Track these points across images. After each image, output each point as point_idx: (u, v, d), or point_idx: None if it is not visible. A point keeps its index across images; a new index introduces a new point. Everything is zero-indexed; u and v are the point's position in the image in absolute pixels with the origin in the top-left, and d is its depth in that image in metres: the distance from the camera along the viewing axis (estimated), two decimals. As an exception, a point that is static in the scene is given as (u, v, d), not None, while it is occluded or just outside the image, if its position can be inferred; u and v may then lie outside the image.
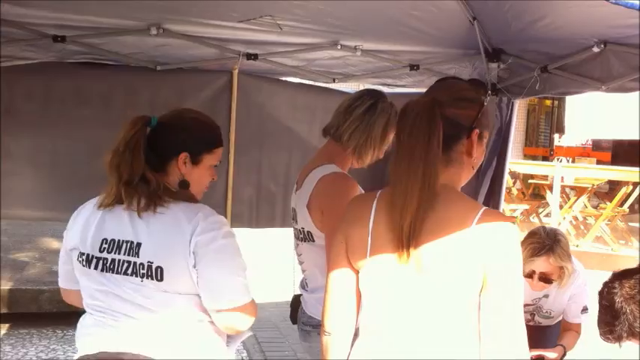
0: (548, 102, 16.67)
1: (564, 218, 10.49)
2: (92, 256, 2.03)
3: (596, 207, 11.14)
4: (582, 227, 10.75)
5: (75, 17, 2.99)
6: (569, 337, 3.38)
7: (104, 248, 2.01)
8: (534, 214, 11.61)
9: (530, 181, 12.30)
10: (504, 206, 10.92)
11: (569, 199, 11.04)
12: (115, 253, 2.00)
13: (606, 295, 2.40)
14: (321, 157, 2.64)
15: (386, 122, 2.61)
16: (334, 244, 1.93)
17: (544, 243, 3.15)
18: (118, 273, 1.99)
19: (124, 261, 1.99)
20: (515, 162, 12.28)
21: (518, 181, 12.22)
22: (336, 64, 3.79)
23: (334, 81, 3.91)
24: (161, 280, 1.96)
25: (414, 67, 3.86)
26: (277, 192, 3.85)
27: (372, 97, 2.64)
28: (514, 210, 11.06)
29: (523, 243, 3.19)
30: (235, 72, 3.56)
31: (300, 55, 3.63)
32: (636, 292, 2.31)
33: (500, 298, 1.69)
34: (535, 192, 12.45)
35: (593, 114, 10.50)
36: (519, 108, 15.95)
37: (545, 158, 13.92)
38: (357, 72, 3.90)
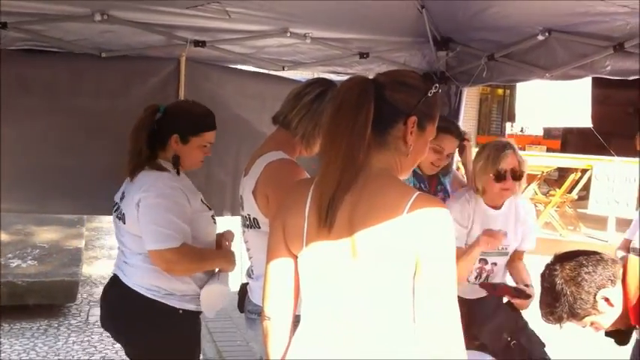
0: (500, 91, 16.93)
1: (515, 205, 10.65)
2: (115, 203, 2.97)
3: (545, 194, 11.35)
4: (532, 213, 10.94)
5: (16, 3, 2.91)
6: (524, 273, 3.43)
7: (120, 198, 2.92)
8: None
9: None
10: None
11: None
12: (120, 202, 2.91)
13: (547, 277, 2.45)
14: (270, 144, 2.63)
15: None
16: (273, 230, 1.94)
17: (502, 142, 3.29)
18: (117, 218, 2.93)
19: (119, 207, 2.90)
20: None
21: (470, 169, 12.35)
22: (286, 51, 3.77)
23: (284, 69, 3.89)
24: (125, 223, 2.85)
25: (363, 55, 3.87)
26: (226, 180, 3.82)
27: (321, 85, 2.63)
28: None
29: (482, 153, 3.30)
30: (183, 59, 3.50)
31: (249, 42, 3.61)
32: (576, 274, 2.37)
33: (433, 283, 1.70)
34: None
35: (542, 102, 10.67)
36: (472, 97, 16.24)
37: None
38: (306, 60, 3.89)
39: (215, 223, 2.99)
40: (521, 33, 3.41)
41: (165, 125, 2.84)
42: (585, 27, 3.01)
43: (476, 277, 3.35)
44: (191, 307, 2.85)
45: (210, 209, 2.97)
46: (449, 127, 3.42)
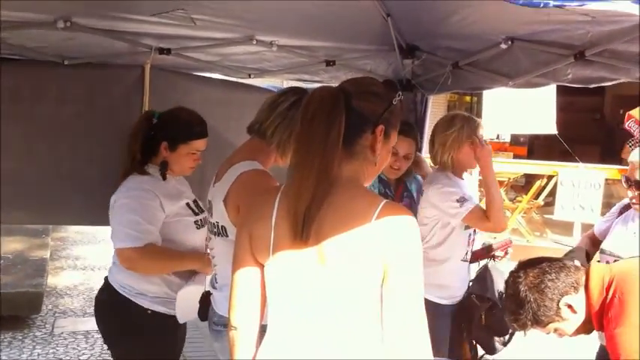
0: (467, 98, 17.08)
1: (483, 211, 10.75)
2: None
3: (512, 200, 11.47)
4: (500, 220, 11.04)
5: (-25, 10, 2.87)
6: None
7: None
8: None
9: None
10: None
11: (487, 192, 11.32)
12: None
13: (512, 284, 2.47)
14: (244, 152, 2.62)
15: None
16: (239, 239, 1.93)
17: (463, 114, 3.43)
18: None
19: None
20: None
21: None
22: (252, 59, 3.77)
23: (250, 76, 3.89)
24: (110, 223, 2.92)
25: (329, 62, 3.88)
26: (192, 188, 3.80)
27: (296, 93, 2.64)
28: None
29: (450, 127, 3.36)
30: (147, 67, 3.48)
31: (214, 50, 3.60)
32: (539, 282, 2.39)
33: (401, 290, 1.72)
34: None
35: (508, 109, 10.80)
36: (439, 104, 16.33)
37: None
38: (273, 67, 3.89)
39: (199, 228, 3.00)
40: (484, 41, 3.44)
41: (157, 132, 2.94)
42: (547, 35, 3.05)
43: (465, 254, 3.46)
44: (161, 309, 2.90)
45: (196, 214, 3.01)
46: (402, 129, 3.41)
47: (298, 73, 3.99)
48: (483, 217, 3.21)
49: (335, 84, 3.67)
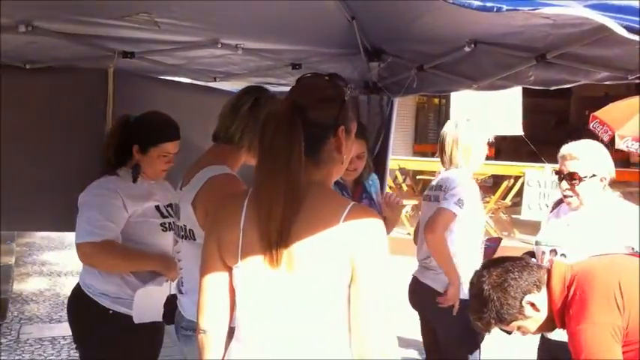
0: (436, 100, 17.20)
1: (451, 212, 10.85)
2: None
3: (481, 200, 11.58)
4: (468, 220, 11.16)
5: None
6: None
7: None
8: (424, 209, 11.93)
9: (419, 177, 12.66)
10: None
11: (456, 193, 11.42)
12: None
13: (476, 283, 2.51)
14: (212, 156, 2.61)
15: None
16: (207, 243, 1.94)
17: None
18: None
19: None
20: (405, 159, 12.61)
21: (408, 178, 12.55)
22: (218, 62, 3.75)
23: (216, 80, 3.87)
24: None
25: (296, 66, 3.88)
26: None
27: (254, 93, 2.65)
28: (404, 205, 11.32)
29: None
30: (111, 71, 3.46)
31: (179, 53, 3.57)
32: (503, 280, 2.42)
33: (368, 292, 1.76)
34: (425, 187, 12.81)
35: (475, 111, 10.91)
36: (408, 106, 16.42)
37: (434, 155, 14.31)
38: (239, 71, 3.88)
39: (165, 231, 3.02)
40: (449, 45, 3.47)
41: (130, 135, 3.01)
42: (509, 38, 3.08)
43: None
44: (122, 309, 2.94)
45: (164, 217, 3.03)
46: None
47: (265, 77, 3.98)
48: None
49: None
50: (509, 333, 2.54)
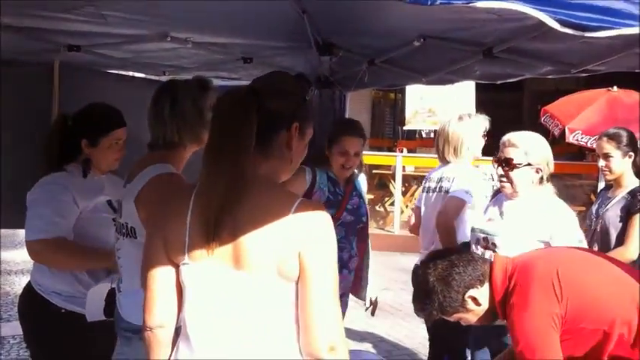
0: (392, 95, 17.27)
1: (407, 206, 10.97)
2: None
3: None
4: (424, 214, 11.28)
5: None
6: None
7: None
8: (380, 204, 12.03)
9: (375, 171, 12.73)
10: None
11: (411, 187, 11.54)
12: None
13: (421, 274, 2.54)
14: (156, 156, 2.58)
15: (193, 102, 2.59)
16: (151, 240, 1.91)
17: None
18: None
19: None
20: (363, 153, 12.64)
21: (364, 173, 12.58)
22: (167, 56, 3.71)
23: (165, 74, 3.83)
24: None
25: (247, 59, 3.86)
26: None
27: (164, 91, 2.63)
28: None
29: None
30: (56, 64, 3.39)
31: (127, 47, 3.53)
32: (447, 274, 2.46)
33: (317, 287, 1.74)
34: (381, 182, 12.88)
35: (429, 105, 11.03)
36: (364, 100, 16.43)
37: (390, 149, 14.41)
38: (189, 65, 3.84)
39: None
40: (399, 39, 3.50)
41: (75, 131, 2.93)
42: (457, 33, 3.12)
43: None
44: (76, 308, 2.87)
45: (117, 212, 2.90)
46: (348, 128, 3.61)
47: (215, 71, 3.95)
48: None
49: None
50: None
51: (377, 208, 11.99)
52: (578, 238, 3.03)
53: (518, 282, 2.38)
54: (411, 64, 3.60)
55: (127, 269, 2.56)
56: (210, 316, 1.82)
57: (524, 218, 3.04)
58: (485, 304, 2.46)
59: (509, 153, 3.07)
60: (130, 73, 3.87)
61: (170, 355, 1.90)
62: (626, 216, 3.83)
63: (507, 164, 3.07)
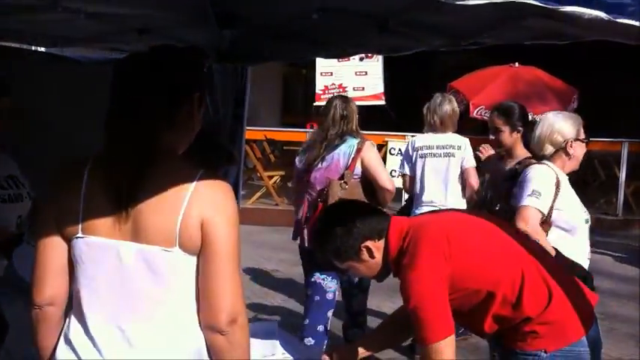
0: (303, 71, 17.29)
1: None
2: None
3: (346, 170, 11.80)
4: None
5: None
6: None
7: None
8: (292, 180, 12.05)
9: (286, 147, 12.74)
10: (263, 173, 11.21)
11: (322, 163, 11.60)
12: None
13: (324, 217, 2.82)
14: None
15: None
16: (43, 213, 1.86)
17: None
18: None
19: None
20: (273, 130, 12.65)
21: (276, 149, 12.60)
22: (58, 27, 3.54)
23: (57, 45, 3.67)
24: None
25: (143, 31, 3.75)
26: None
27: None
28: (271, 176, 11.39)
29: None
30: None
31: (15, 16, 3.35)
32: (349, 221, 2.57)
33: (219, 259, 1.75)
34: (293, 158, 12.90)
35: (338, 82, 11.11)
36: (275, 77, 16.38)
37: (302, 125, 14.46)
38: (82, 35, 3.69)
39: (6, 203, 2.90)
40: (299, 12, 3.47)
41: None
42: (355, 5, 3.12)
43: None
44: None
45: (4, 189, 2.90)
46: None
47: (110, 42, 3.82)
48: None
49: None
50: (344, 272, 2.76)
51: (289, 184, 11.99)
52: None
53: (410, 243, 2.48)
54: (311, 37, 3.59)
55: None
56: (107, 290, 1.78)
57: None
58: (378, 258, 2.56)
59: None
60: (19, 45, 3.70)
61: (60, 332, 1.85)
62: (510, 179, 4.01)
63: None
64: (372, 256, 2.56)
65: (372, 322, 4.59)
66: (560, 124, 3.44)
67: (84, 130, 3.43)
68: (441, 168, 5.22)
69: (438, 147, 5.26)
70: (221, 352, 1.79)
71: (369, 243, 2.54)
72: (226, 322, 1.75)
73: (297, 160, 4.70)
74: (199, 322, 1.80)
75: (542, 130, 3.46)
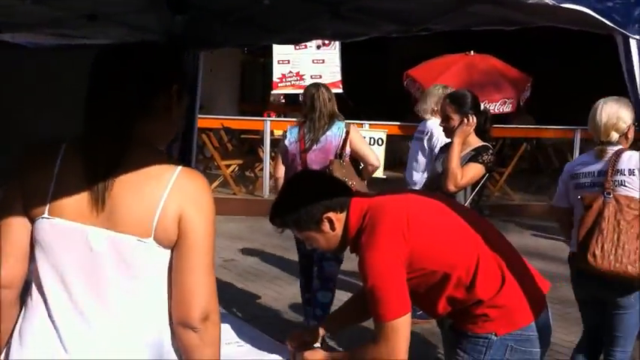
0: (261, 59, 17.22)
1: (276, 170, 11.01)
2: None
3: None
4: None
5: None
6: None
7: None
8: (250, 169, 12.02)
9: (243, 136, 12.69)
10: (220, 162, 11.15)
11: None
12: None
13: (290, 183, 2.90)
14: None
15: None
16: (8, 190, 1.82)
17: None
18: None
19: None
20: (230, 118, 12.58)
21: (233, 138, 12.54)
22: (5, 12, 3.45)
23: (1, 31, 3.58)
24: None
25: (92, 17, 3.67)
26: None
27: None
28: (229, 165, 11.34)
29: None
30: None
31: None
32: (313, 190, 2.66)
33: (194, 254, 1.76)
34: (251, 147, 12.86)
35: (295, 70, 11.10)
36: (234, 65, 16.29)
37: (260, 114, 14.44)
38: (29, 21, 3.59)
39: None
40: (250, -4, 3.44)
41: None
42: (306, -9, 3.11)
43: None
44: None
45: None
46: None
47: (59, 28, 3.73)
48: None
49: (101, 40, 3.54)
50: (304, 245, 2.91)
51: (247, 173, 11.97)
52: None
53: (370, 221, 2.51)
54: (263, 23, 3.56)
55: None
56: (74, 277, 1.75)
57: None
58: (338, 231, 2.59)
59: None
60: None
61: (17, 318, 1.81)
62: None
63: None
64: (332, 227, 2.58)
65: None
66: (623, 112, 3.65)
67: (42, 118, 3.41)
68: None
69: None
70: (192, 349, 1.78)
71: (330, 214, 2.56)
72: (199, 319, 1.75)
73: (286, 142, 5.18)
74: (169, 318, 1.79)
75: (609, 119, 3.67)
